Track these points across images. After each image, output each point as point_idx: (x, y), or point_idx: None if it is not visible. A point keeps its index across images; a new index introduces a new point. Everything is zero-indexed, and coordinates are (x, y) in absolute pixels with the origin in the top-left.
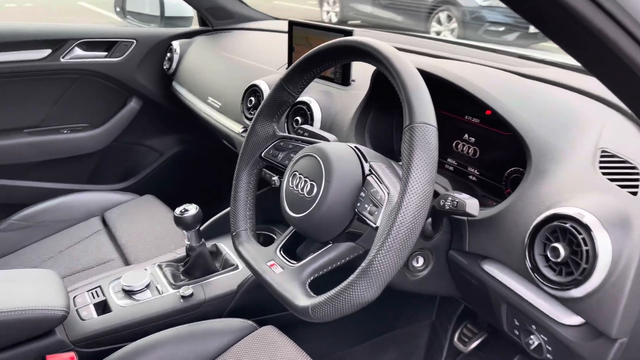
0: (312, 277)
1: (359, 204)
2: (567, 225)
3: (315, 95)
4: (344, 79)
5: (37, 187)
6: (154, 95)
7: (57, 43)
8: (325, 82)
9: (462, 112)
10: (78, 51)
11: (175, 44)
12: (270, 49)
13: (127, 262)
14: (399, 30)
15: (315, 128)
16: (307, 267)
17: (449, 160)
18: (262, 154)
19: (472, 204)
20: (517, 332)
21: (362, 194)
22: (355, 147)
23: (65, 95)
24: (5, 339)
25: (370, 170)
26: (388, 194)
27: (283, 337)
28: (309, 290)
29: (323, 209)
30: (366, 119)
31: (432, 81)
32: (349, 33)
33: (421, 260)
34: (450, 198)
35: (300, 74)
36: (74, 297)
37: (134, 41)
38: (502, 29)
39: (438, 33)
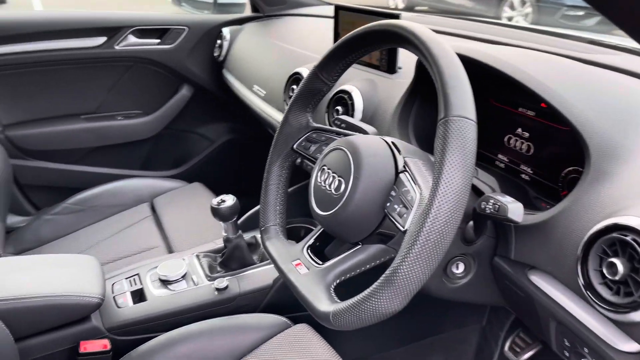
0: (338, 280)
1: (388, 204)
2: (629, 238)
3: (357, 83)
4: (390, 66)
5: (92, 172)
6: (205, 83)
7: (113, 31)
8: (370, 70)
9: (516, 103)
10: (132, 39)
11: (226, 31)
12: (318, 35)
13: (170, 250)
14: (467, 16)
15: (355, 119)
16: (333, 269)
17: (500, 156)
18: (294, 146)
19: (515, 209)
20: (567, 354)
21: (393, 192)
22: (391, 141)
23: (119, 82)
24: (42, 323)
25: (404, 166)
26: (420, 194)
27: (317, 336)
28: (333, 294)
29: (350, 208)
30: (410, 110)
31: (482, 69)
32: (396, 17)
33: (462, 267)
34: (492, 201)
35: (335, 61)
36: (113, 284)
37: (186, 28)
38: (581, 13)
39: (510, 19)
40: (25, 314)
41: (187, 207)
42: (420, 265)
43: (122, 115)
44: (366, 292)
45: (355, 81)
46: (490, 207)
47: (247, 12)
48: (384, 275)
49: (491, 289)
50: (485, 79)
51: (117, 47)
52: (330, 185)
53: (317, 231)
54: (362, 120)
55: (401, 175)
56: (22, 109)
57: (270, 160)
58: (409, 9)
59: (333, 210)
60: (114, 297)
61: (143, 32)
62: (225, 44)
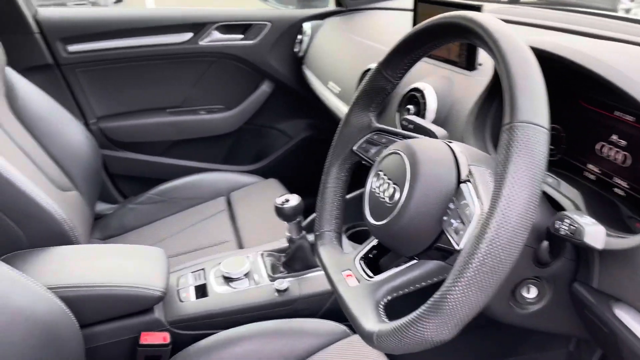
0: (389, 297)
1: (445, 218)
2: None
3: (432, 81)
4: (469, 63)
5: (175, 164)
6: (285, 79)
7: (198, 27)
8: (447, 66)
9: (612, 106)
10: (216, 34)
11: (307, 26)
12: (397, 29)
13: (241, 245)
14: (578, 9)
15: (425, 120)
16: (385, 284)
17: (590, 167)
18: (354, 148)
19: (594, 233)
20: None
21: (451, 205)
22: (456, 145)
23: (203, 78)
24: (107, 311)
25: (468, 176)
26: (480, 209)
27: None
28: (381, 312)
29: (404, 219)
30: (488, 112)
31: (573, 67)
32: (477, 9)
33: (534, 291)
34: (568, 221)
35: (399, 57)
36: (179, 277)
37: (269, 23)
38: None
39: (627, 11)
40: (91, 302)
41: (260, 203)
42: (473, 292)
43: (205, 110)
44: (412, 315)
45: (430, 78)
46: (566, 227)
47: (332, 6)
48: (432, 298)
49: (570, 318)
50: (576, 77)
51: (201, 43)
52: (384, 193)
53: (371, 241)
54: (435, 121)
55: (462, 186)
56: (114, 102)
57: (329, 162)
58: (514, 1)
59: (386, 221)
60: (178, 290)
61: (227, 27)
62: (306, 39)
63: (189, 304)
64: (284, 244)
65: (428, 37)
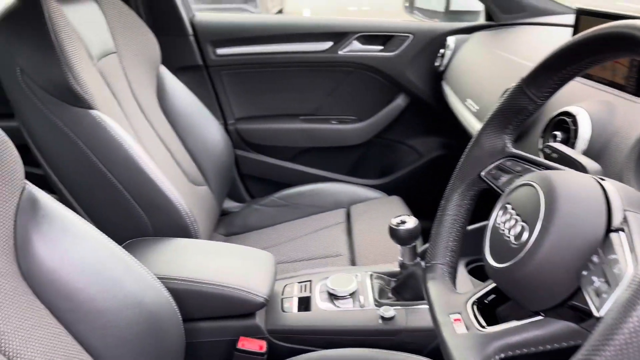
0: (501, 355)
1: (585, 272)
2: None
3: (589, 105)
4: (639, 86)
5: (301, 170)
6: (422, 93)
7: (339, 36)
8: (610, 90)
9: None
10: (356, 44)
11: (451, 40)
12: (552, 46)
13: (353, 262)
14: None
15: (574, 150)
16: (498, 338)
17: None
18: (482, 173)
19: None
20: None
21: (595, 258)
22: (610, 183)
23: (338, 87)
24: (209, 309)
25: (622, 223)
26: (635, 268)
27: None
28: None
29: (531, 266)
30: None
31: None
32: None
33: None
34: None
35: (547, 73)
36: (285, 286)
37: (410, 36)
38: None
39: None
40: (196, 298)
41: (380, 220)
42: None
43: (337, 120)
44: None
45: (586, 102)
46: None
47: (481, 20)
48: None
49: None
50: None
51: (340, 52)
52: (509, 231)
53: (489, 284)
54: (587, 153)
55: (613, 235)
56: (252, 105)
57: (452, 186)
58: None
59: (508, 264)
60: (282, 299)
61: (367, 38)
62: (448, 54)
63: (291, 315)
64: (394, 268)
65: (586, 52)
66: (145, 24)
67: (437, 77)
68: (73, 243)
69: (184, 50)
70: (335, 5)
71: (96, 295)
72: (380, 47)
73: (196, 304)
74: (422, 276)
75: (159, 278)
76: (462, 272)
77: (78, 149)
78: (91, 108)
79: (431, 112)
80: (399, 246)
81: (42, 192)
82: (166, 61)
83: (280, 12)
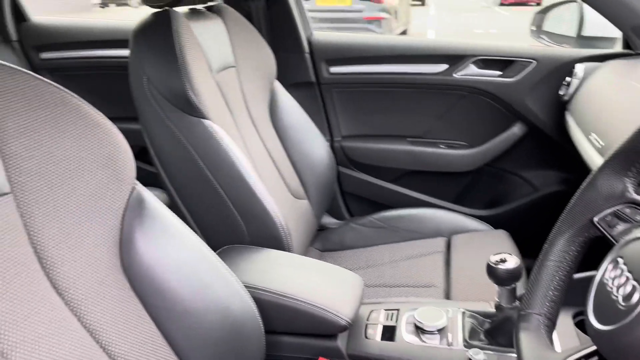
0: None
1: None
2: None
3: None
4: None
5: (404, 193)
6: (542, 123)
7: (455, 59)
8: None
9: None
10: (472, 68)
11: (579, 68)
12: None
13: (447, 295)
14: None
15: None
16: None
17: None
18: (596, 219)
19: None
20: None
21: None
22: None
23: (450, 111)
24: (291, 324)
25: None
26: None
27: None
28: None
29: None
30: None
31: None
32: None
33: None
34: None
35: None
36: (371, 311)
37: (533, 61)
38: None
39: None
40: (280, 311)
41: (482, 254)
42: None
43: (446, 144)
44: None
45: None
46: None
47: (617, 49)
48: None
49: None
50: None
51: (455, 76)
52: (618, 289)
53: (590, 346)
54: None
55: None
56: (360, 123)
57: (557, 229)
58: None
59: (613, 327)
60: (366, 324)
61: (485, 62)
62: (575, 82)
63: (374, 342)
64: (491, 308)
65: None
66: (264, 41)
67: (560, 107)
68: (171, 244)
69: (299, 67)
70: (461, 27)
71: (187, 296)
72: (499, 72)
73: (279, 318)
74: (515, 324)
75: (246, 287)
76: (568, 323)
77: (189, 154)
78: (204, 118)
79: (550, 143)
80: (496, 287)
81: (149, 193)
82: (281, 76)
83: (404, 33)
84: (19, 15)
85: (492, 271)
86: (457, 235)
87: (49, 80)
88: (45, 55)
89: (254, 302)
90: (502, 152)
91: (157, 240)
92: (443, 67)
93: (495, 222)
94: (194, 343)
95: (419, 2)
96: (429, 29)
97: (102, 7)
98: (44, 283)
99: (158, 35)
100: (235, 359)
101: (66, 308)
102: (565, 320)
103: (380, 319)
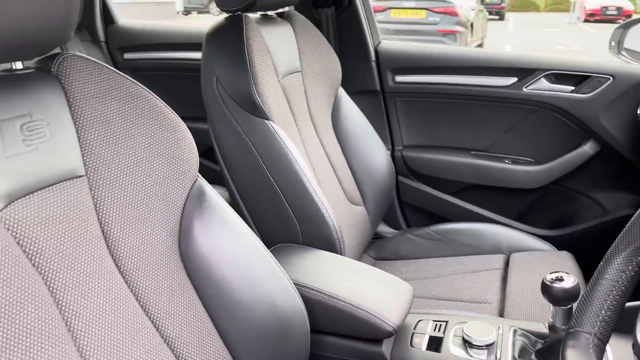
0: None
1: None
2: None
3: None
4: None
5: (464, 207)
6: (616, 143)
7: (525, 72)
8: None
9: None
10: (544, 83)
11: None
12: None
13: (501, 313)
14: None
15: None
16: None
17: None
18: None
19: None
20: None
21: None
22: None
23: (518, 126)
24: (337, 326)
25: None
26: None
27: None
28: None
29: None
30: None
31: None
32: None
33: None
34: None
35: None
36: (419, 321)
37: (610, 78)
38: None
39: None
40: (326, 311)
41: (543, 274)
42: None
43: (511, 159)
44: None
45: None
46: None
47: None
48: None
49: None
50: None
51: (525, 90)
52: None
53: None
54: None
55: None
56: (423, 134)
57: (614, 248)
58: None
59: None
60: (413, 333)
61: (558, 77)
62: None
63: (419, 352)
64: (544, 328)
65: None
66: (331, 48)
67: (637, 126)
68: (227, 237)
69: (365, 74)
70: (541, 43)
71: (238, 287)
72: (571, 88)
73: (326, 317)
74: (563, 342)
75: (296, 285)
76: (628, 351)
77: (250, 153)
78: (267, 119)
79: (624, 164)
80: (550, 306)
81: (210, 187)
82: (345, 83)
83: (479, 46)
84: (108, 17)
85: (547, 289)
86: (517, 253)
87: (128, 77)
88: (128, 55)
89: (301, 300)
90: (571, 170)
91: (214, 232)
92: (512, 80)
93: (558, 243)
94: (242, 333)
95: (497, 17)
96: (505, 44)
97: (186, 15)
98: (108, 260)
99: (229, 38)
100: (281, 353)
101: (125, 285)
102: (625, 348)
103: (427, 329)
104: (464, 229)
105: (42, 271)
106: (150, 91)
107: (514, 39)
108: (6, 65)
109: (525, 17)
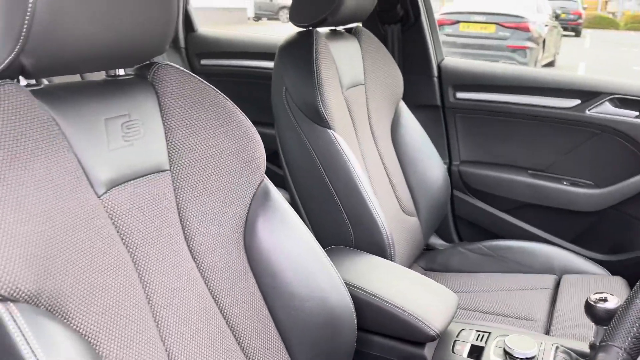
0: None
1: None
2: None
3: None
4: None
5: (518, 225)
6: None
7: (589, 95)
8: None
9: None
10: (608, 107)
11: None
12: None
13: (547, 331)
14: None
15: None
16: None
17: None
18: None
19: None
20: None
21: None
22: None
23: (579, 148)
24: (383, 326)
25: None
26: None
27: None
28: None
29: None
30: None
31: None
32: None
33: None
34: None
35: None
36: (462, 329)
37: None
38: None
39: None
40: (374, 311)
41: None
42: None
43: (569, 181)
44: None
45: None
46: None
47: None
48: None
49: None
50: None
51: (588, 112)
52: None
53: None
54: None
55: None
56: (480, 150)
57: None
58: None
59: None
60: (455, 340)
61: (623, 101)
62: None
63: (459, 358)
64: (586, 347)
65: None
66: (395, 63)
67: None
68: (287, 234)
69: (426, 89)
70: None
71: (293, 280)
72: (637, 113)
73: (372, 317)
74: (594, 353)
75: (346, 283)
76: None
77: (312, 159)
78: (330, 128)
79: None
80: (593, 325)
81: (274, 187)
82: (407, 97)
83: (550, 64)
84: (189, 26)
85: (590, 308)
86: (569, 275)
87: (211, 85)
88: (205, 61)
89: (350, 298)
90: (632, 196)
91: (275, 228)
92: (575, 102)
93: (613, 269)
94: (294, 323)
95: (573, 33)
96: (580, 62)
97: (256, 20)
98: (183, 247)
99: (300, 52)
100: (329, 345)
101: (196, 269)
102: None
103: (469, 338)
104: (517, 247)
105: (130, 249)
106: (227, 98)
107: (589, 57)
108: (111, 72)
109: (603, 34)
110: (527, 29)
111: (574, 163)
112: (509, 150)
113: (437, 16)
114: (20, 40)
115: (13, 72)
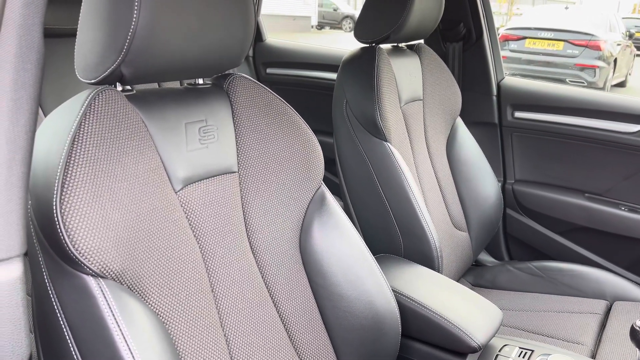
0: None
1: None
2: None
3: None
4: None
5: (570, 247)
6: None
7: None
8: None
9: None
10: None
11: None
12: None
13: (593, 355)
14: None
15: None
16: None
17: None
18: None
19: None
20: None
21: None
22: None
23: (639, 174)
24: (426, 334)
25: None
26: None
27: None
28: None
29: None
30: None
31: None
32: None
33: None
34: None
35: None
36: (505, 345)
37: None
38: None
39: None
40: (418, 319)
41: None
42: None
43: (628, 207)
44: None
45: None
46: None
47: None
48: None
49: None
50: None
51: None
52: None
53: None
54: None
55: None
56: (536, 170)
57: None
58: None
59: None
60: (497, 355)
61: None
62: None
63: None
64: None
65: None
66: (454, 80)
67: None
68: (339, 238)
69: (485, 107)
70: None
71: (342, 282)
72: None
73: (416, 325)
74: None
75: (393, 290)
76: None
77: (367, 169)
78: (386, 141)
79: None
80: (637, 351)
81: (330, 194)
82: (464, 114)
83: (621, 84)
84: (258, 35)
85: (635, 334)
86: (621, 302)
87: (276, 94)
88: (270, 70)
89: (396, 304)
90: None
91: (329, 232)
92: (637, 127)
93: None
94: (341, 322)
95: None
96: None
97: (319, 29)
98: (245, 243)
99: (362, 67)
100: (373, 348)
101: (256, 265)
102: None
103: (512, 354)
104: (568, 269)
105: (200, 242)
106: (292, 107)
107: None
108: (191, 81)
109: None
110: (598, 48)
111: (633, 189)
112: (565, 172)
113: (502, 31)
114: (122, 53)
115: (113, 79)
